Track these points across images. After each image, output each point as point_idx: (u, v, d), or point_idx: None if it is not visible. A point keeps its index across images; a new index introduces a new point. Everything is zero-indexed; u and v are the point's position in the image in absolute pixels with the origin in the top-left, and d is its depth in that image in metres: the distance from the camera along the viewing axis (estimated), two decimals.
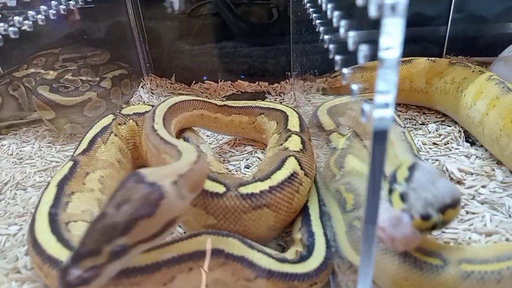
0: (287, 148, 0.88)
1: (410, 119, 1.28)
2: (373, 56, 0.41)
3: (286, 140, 0.91)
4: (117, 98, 1.38)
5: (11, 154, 1.21)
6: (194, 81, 1.66)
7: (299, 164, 0.82)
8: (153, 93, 1.54)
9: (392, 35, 0.35)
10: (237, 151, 1.16)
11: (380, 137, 0.41)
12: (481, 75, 1.11)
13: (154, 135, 0.84)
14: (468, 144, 1.10)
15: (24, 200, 0.98)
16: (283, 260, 0.68)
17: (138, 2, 1.53)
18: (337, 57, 0.53)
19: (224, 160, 1.13)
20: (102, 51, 1.51)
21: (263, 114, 1.09)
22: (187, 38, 1.70)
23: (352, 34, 0.46)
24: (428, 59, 1.29)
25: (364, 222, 0.46)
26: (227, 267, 0.66)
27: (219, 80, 1.66)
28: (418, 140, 1.12)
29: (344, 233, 0.72)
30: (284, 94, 1.57)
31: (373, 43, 0.40)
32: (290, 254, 0.72)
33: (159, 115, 0.92)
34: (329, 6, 0.59)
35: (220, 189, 0.75)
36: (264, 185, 0.76)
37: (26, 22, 1.06)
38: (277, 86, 1.63)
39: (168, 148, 0.78)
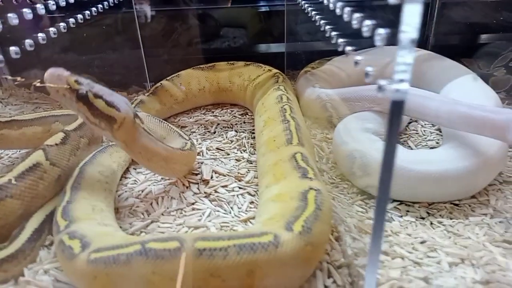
0: (44, 144, 0.96)
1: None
2: None
3: None
4: None
5: None
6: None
7: (45, 155, 0.92)
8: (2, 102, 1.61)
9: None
10: None
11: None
12: (269, 72, 1.38)
13: None
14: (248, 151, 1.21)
15: None
16: None
17: None
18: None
19: None
20: None
21: (57, 121, 1.19)
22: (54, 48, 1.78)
23: None
24: (228, 63, 1.49)
25: None
26: None
27: None
28: (204, 147, 1.23)
29: None
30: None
31: None
32: None
33: None
34: None
35: None
36: (5, 179, 0.85)
37: None
38: (135, 96, 1.73)
39: None
